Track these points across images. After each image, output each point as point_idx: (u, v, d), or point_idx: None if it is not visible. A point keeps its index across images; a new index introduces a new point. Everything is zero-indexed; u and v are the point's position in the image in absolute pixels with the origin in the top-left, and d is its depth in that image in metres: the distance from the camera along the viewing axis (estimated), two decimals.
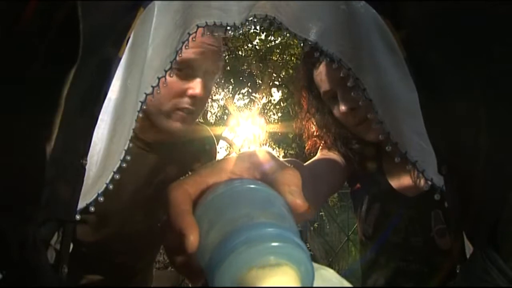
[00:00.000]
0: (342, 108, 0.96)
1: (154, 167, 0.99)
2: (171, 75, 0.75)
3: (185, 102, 0.92)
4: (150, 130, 0.96)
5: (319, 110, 1.06)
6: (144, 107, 0.73)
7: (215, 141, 1.16)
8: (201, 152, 1.11)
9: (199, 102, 0.95)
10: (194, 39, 0.72)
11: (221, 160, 0.41)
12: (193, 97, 0.92)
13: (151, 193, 0.96)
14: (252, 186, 0.37)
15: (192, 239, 0.33)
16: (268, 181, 0.39)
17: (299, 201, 0.36)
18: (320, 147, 1.10)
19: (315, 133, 1.11)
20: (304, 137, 1.14)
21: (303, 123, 1.13)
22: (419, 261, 0.95)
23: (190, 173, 0.40)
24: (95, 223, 0.91)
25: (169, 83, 0.78)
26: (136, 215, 0.96)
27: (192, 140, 1.08)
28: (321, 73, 0.99)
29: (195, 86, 0.92)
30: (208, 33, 0.73)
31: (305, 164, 1.00)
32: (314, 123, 1.10)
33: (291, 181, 0.38)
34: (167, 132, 0.95)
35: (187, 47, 0.73)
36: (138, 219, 0.96)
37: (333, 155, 1.06)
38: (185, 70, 0.89)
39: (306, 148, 1.15)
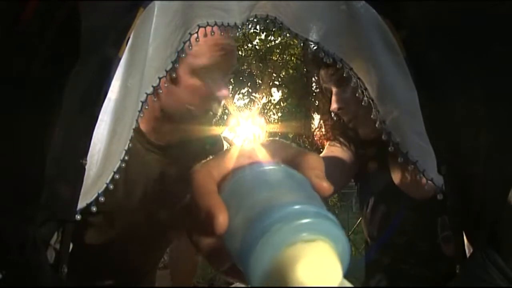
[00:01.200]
0: (333, 106, 0.99)
1: (164, 169, 0.98)
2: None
3: (215, 106, 0.93)
4: (165, 132, 0.95)
5: (325, 105, 1.09)
6: (146, 107, 0.73)
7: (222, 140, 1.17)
8: (211, 151, 1.11)
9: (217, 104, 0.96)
10: (209, 37, 0.72)
11: (240, 146, 0.40)
12: (217, 99, 0.93)
13: (162, 195, 0.95)
14: (277, 167, 0.36)
15: (222, 219, 0.32)
16: (291, 166, 0.37)
17: (325, 184, 0.35)
18: (328, 143, 1.12)
19: (327, 131, 1.14)
20: (316, 136, 1.17)
21: (319, 121, 1.18)
22: (423, 265, 0.95)
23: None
24: (102, 226, 0.91)
25: (196, 87, 0.81)
26: (145, 218, 0.96)
27: (201, 139, 1.07)
28: (322, 72, 1.01)
29: (223, 88, 0.92)
30: (222, 33, 0.73)
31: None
32: (323, 118, 1.13)
33: (316, 165, 0.37)
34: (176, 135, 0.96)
35: (190, 48, 0.73)
36: (147, 222, 0.95)
37: (339, 149, 1.08)
38: (210, 73, 0.88)
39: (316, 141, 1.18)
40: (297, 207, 0.30)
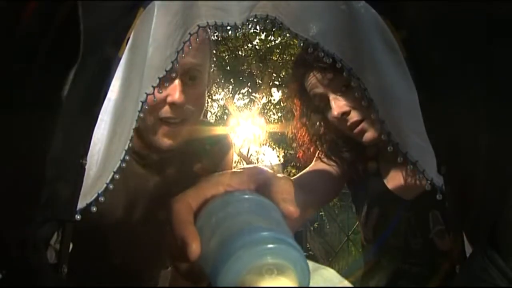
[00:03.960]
0: (334, 112, 0.95)
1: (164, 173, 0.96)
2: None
3: (165, 111, 0.83)
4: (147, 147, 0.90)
5: (310, 117, 1.05)
6: (146, 107, 0.73)
7: (224, 140, 1.10)
8: (212, 151, 1.08)
9: (182, 110, 0.85)
10: (197, 39, 0.70)
11: (218, 174, 0.44)
12: (173, 105, 0.82)
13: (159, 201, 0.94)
14: (247, 196, 0.40)
15: (194, 247, 0.36)
16: (262, 191, 0.41)
17: (291, 208, 0.39)
18: (315, 157, 1.10)
19: (306, 141, 1.10)
20: (296, 145, 1.14)
21: (294, 131, 1.12)
22: (419, 263, 0.95)
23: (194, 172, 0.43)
24: (106, 232, 0.89)
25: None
26: (146, 223, 0.95)
27: (200, 140, 1.04)
28: (312, 77, 0.97)
29: (172, 92, 0.81)
30: None
31: (295, 176, 1.00)
32: (306, 131, 1.09)
33: (284, 189, 0.41)
34: (159, 149, 0.88)
35: (190, 47, 0.72)
36: (147, 228, 0.94)
37: (326, 166, 1.05)
38: None
39: (298, 155, 1.14)
40: (262, 233, 0.34)
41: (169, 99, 0.82)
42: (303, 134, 1.09)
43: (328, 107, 0.98)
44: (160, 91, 0.75)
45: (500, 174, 0.51)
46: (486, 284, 0.48)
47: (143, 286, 1.09)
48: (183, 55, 0.71)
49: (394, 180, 1.00)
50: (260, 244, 0.33)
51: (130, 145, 0.72)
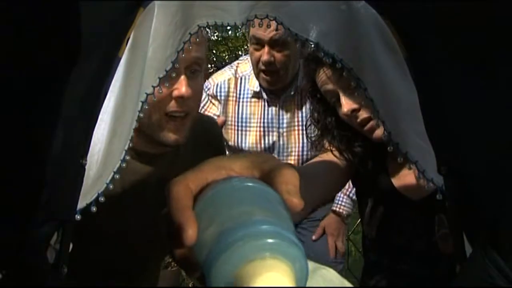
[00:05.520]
0: (344, 109, 0.95)
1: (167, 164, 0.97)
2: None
3: (172, 106, 0.85)
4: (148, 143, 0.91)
5: (321, 113, 1.05)
6: (146, 107, 0.73)
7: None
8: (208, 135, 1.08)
9: (189, 103, 0.88)
10: (197, 39, 0.70)
11: (221, 157, 0.41)
12: (179, 99, 0.85)
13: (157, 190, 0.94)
14: (251, 184, 0.37)
15: (191, 233, 0.34)
16: (266, 179, 0.39)
17: (295, 200, 0.37)
18: (324, 149, 1.10)
19: (317, 137, 1.10)
20: (306, 141, 1.14)
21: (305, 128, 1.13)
22: (421, 265, 0.95)
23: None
24: (104, 224, 0.90)
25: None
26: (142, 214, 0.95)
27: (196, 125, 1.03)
28: (323, 73, 0.98)
29: (179, 86, 0.84)
30: None
31: (302, 165, 1.00)
32: (316, 127, 1.09)
33: (289, 180, 0.38)
34: (165, 145, 0.90)
35: (190, 47, 0.72)
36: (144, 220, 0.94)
37: (332, 157, 1.05)
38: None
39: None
40: (263, 226, 0.32)
41: (175, 93, 0.84)
42: (313, 129, 1.10)
43: (339, 103, 0.98)
44: (167, 84, 0.77)
45: (500, 174, 0.51)
46: (486, 284, 0.48)
47: (141, 283, 1.09)
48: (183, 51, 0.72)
49: (402, 179, 0.99)
50: (260, 238, 0.31)
51: (130, 145, 0.72)
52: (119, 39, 0.58)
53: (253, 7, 0.74)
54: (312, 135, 1.10)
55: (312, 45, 0.76)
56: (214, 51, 6.13)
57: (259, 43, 1.32)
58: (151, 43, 0.71)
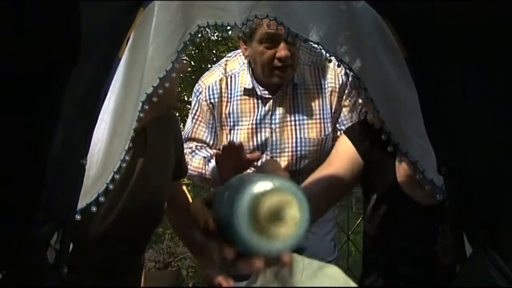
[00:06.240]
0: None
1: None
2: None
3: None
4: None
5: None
6: (146, 107, 0.73)
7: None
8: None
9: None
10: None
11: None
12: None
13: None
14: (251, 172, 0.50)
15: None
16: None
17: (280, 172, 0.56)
18: (341, 135, 1.12)
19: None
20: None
21: None
22: (420, 268, 0.95)
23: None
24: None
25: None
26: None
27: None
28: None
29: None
30: None
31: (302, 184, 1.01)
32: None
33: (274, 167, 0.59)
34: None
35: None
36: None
37: (333, 171, 1.05)
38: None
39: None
40: (274, 176, 0.49)
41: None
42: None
43: None
44: (167, 85, 0.83)
45: (500, 174, 0.51)
46: (486, 284, 0.48)
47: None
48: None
49: (409, 181, 0.98)
50: (268, 179, 0.46)
51: (130, 145, 0.72)
52: (119, 39, 0.58)
53: (253, 7, 0.74)
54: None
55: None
56: (214, 51, 6.12)
57: (274, 41, 1.31)
58: (151, 43, 0.71)
